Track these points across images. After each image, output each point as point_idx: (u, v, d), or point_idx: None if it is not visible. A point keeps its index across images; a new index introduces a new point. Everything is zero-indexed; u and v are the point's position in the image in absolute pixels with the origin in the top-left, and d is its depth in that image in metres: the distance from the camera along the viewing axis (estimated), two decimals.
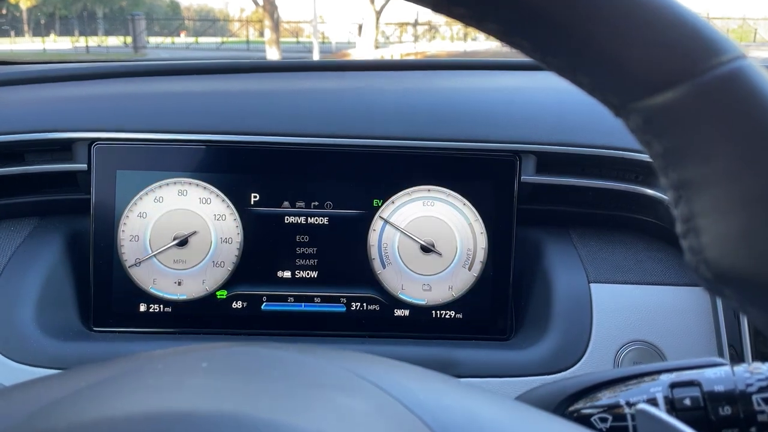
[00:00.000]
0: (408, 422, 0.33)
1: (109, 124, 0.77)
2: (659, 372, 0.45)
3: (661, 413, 0.36)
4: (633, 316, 0.73)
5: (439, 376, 0.40)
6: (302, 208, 0.78)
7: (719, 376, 0.43)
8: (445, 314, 0.79)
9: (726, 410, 0.42)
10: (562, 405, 0.48)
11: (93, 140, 0.76)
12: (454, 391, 0.38)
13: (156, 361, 0.38)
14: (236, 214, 0.77)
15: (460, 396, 0.37)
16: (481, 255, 0.79)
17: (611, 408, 0.46)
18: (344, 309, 0.79)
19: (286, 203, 0.78)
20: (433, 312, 0.79)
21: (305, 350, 0.40)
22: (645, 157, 0.77)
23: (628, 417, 0.44)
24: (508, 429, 0.33)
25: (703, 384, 0.43)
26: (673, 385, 0.44)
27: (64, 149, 0.77)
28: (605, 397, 0.47)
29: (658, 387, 0.44)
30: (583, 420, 0.46)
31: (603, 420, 0.45)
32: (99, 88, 0.84)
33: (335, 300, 0.79)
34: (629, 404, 0.44)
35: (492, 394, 0.39)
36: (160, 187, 0.77)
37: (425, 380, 0.39)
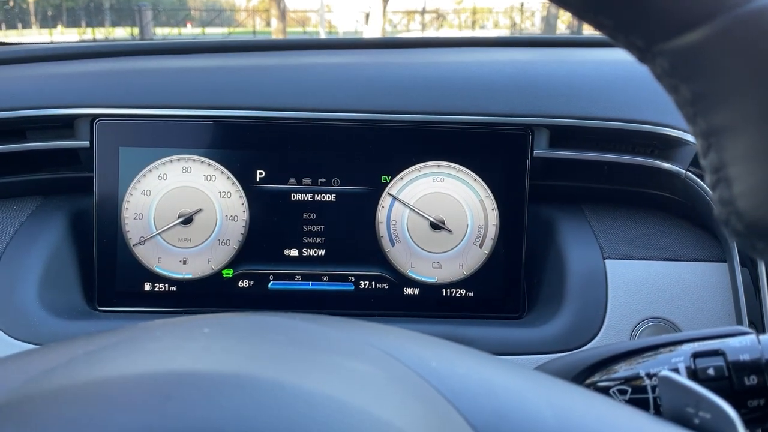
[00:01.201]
0: (420, 389, 0.31)
1: (111, 100, 0.75)
2: (680, 342, 0.43)
3: (686, 380, 0.34)
4: (649, 292, 0.71)
5: (454, 346, 0.39)
6: (309, 184, 0.76)
7: (744, 345, 0.41)
8: (456, 292, 0.78)
9: (752, 380, 0.40)
10: (579, 378, 0.47)
11: (95, 116, 0.75)
12: (469, 359, 0.36)
13: (155, 328, 0.36)
14: (242, 191, 0.76)
15: (475, 364, 0.36)
16: (492, 232, 0.77)
17: (630, 380, 0.44)
18: (352, 287, 0.77)
19: (292, 180, 0.76)
20: (444, 290, 0.78)
21: (312, 319, 0.39)
22: (661, 130, 0.75)
23: (649, 388, 0.42)
24: (525, 397, 0.31)
25: (727, 353, 0.41)
26: (696, 355, 0.42)
27: (66, 126, 0.76)
28: (622, 370, 0.45)
29: (679, 357, 0.42)
30: (601, 393, 0.44)
31: (622, 392, 0.43)
32: (101, 65, 0.83)
33: (343, 278, 0.77)
34: (650, 375, 0.43)
35: (509, 362, 0.37)
36: (164, 164, 0.75)
37: (439, 348, 0.37)
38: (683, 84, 0.28)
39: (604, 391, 0.44)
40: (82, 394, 0.25)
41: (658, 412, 0.42)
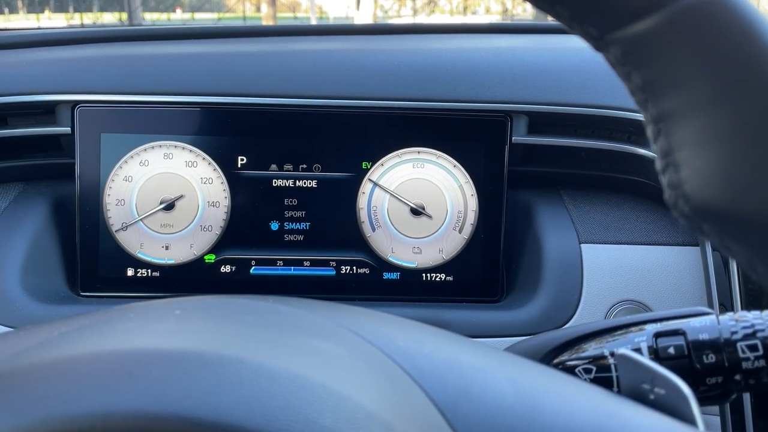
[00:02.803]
0: (385, 367, 0.32)
1: (92, 86, 0.75)
2: (645, 322, 0.45)
3: (641, 358, 0.35)
4: (623, 276, 0.73)
5: (425, 327, 0.40)
6: (290, 170, 0.77)
7: (704, 325, 0.43)
8: (436, 277, 0.79)
9: (710, 358, 0.41)
10: (547, 357, 0.48)
11: (76, 102, 0.75)
12: (437, 339, 0.38)
13: (129, 310, 0.37)
14: (223, 177, 0.76)
15: (443, 344, 0.37)
16: (471, 217, 0.79)
17: (596, 359, 0.45)
18: (334, 272, 0.78)
19: (273, 166, 0.77)
20: (424, 275, 0.79)
21: (284, 301, 0.40)
22: (636, 116, 0.76)
23: (612, 367, 0.44)
24: (492, 376, 0.32)
25: (687, 333, 0.43)
26: (658, 335, 0.43)
27: (47, 112, 0.76)
28: (591, 349, 0.47)
29: (642, 337, 0.44)
30: (568, 371, 0.45)
31: (587, 371, 0.45)
32: (83, 51, 0.83)
33: (325, 263, 0.78)
34: (613, 354, 0.44)
35: (477, 343, 0.38)
36: (146, 150, 0.76)
37: (408, 329, 0.38)
38: (635, 71, 0.29)
39: (571, 370, 0.45)
40: (49, 371, 0.25)
41: (620, 389, 0.43)
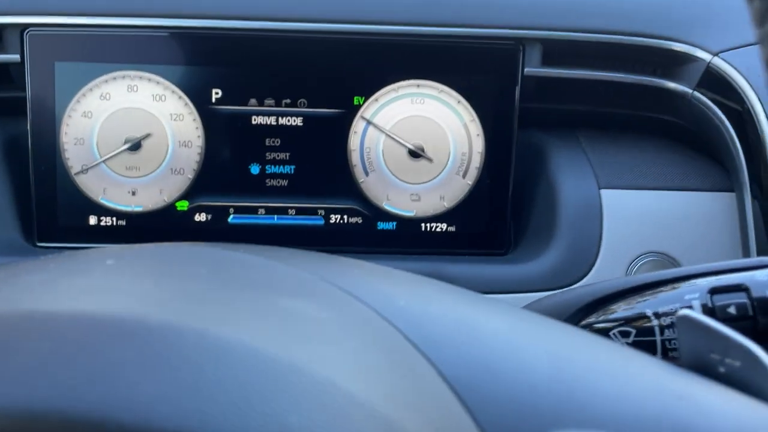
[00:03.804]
0: (380, 333, 0.24)
1: (44, 7, 0.66)
2: (696, 276, 0.37)
3: (712, 321, 0.27)
4: (648, 224, 0.66)
5: (427, 281, 0.31)
6: (272, 106, 0.69)
7: None
8: (436, 227, 0.71)
9: None
10: (573, 319, 0.40)
11: (26, 26, 0.66)
12: (445, 297, 0.29)
13: (52, 261, 0.29)
14: (195, 113, 0.68)
15: (453, 303, 0.29)
16: (477, 160, 0.70)
17: (633, 320, 0.37)
18: (322, 222, 0.70)
19: (253, 101, 0.68)
20: (423, 225, 0.71)
21: (253, 249, 0.31)
22: (667, 44, 0.67)
23: (656, 329, 0.36)
24: (520, 345, 0.24)
25: (751, 288, 0.35)
26: (714, 291, 0.35)
27: None
28: (621, 310, 0.39)
29: (694, 294, 0.36)
30: (601, 335, 0.37)
31: (624, 334, 0.37)
32: None
33: (312, 212, 0.70)
34: (658, 315, 0.36)
35: (494, 301, 0.30)
36: (106, 81, 0.67)
37: (409, 284, 0.30)
38: None
39: (603, 333, 0.38)
40: None
41: (666, 356, 0.36)
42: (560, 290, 0.63)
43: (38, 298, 0.20)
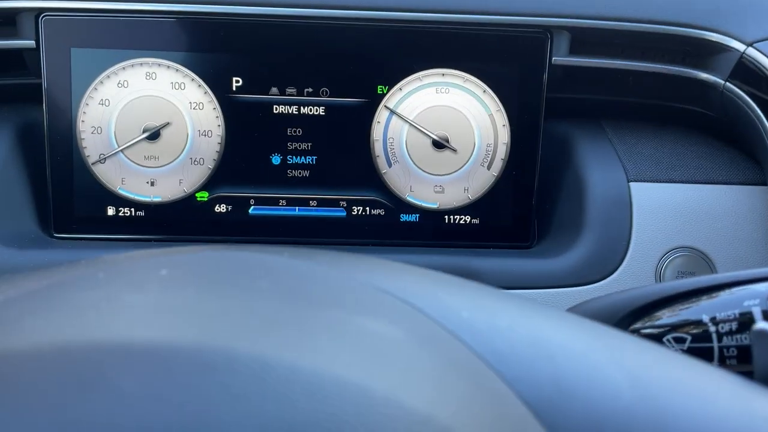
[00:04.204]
0: (453, 352, 0.23)
1: None
2: (755, 281, 0.35)
3: None
4: (678, 219, 0.65)
5: (481, 287, 0.30)
6: (293, 95, 0.67)
7: None
8: (460, 219, 0.70)
9: None
10: (621, 324, 0.39)
11: (41, 10, 0.64)
12: (504, 306, 0.28)
13: (99, 266, 0.27)
14: (215, 102, 0.66)
15: (514, 313, 0.27)
16: (502, 151, 0.69)
17: (688, 325, 0.36)
18: (344, 214, 0.69)
19: (274, 89, 0.67)
20: (446, 217, 0.70)
21: (302, 255, 0.30)
22: (700, 33, 0.65)
23: (714, 336, 0.35)
24: (596, 362, 0.23)
25: None
26: None
27: (7, 23, 0.65)
28: (670, 315, 0.38)
29: (753, 299, 0.35)
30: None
31: (679, 340, 0.36)
32: None
33: (334, 203, 0.69)
34: (715, 321, 0.35)
35: (553, 309, 0.29)
36: (124, 68, 0.65)
37: (465, 293, 0.29)
38: None
39: (656, 339, 0.37)
40: None
41: (723, 363, 0.35)
42: (587, 288, 0.62)
43: (109, 321, 0.19)
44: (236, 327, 0.19)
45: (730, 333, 0.34)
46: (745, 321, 0.34)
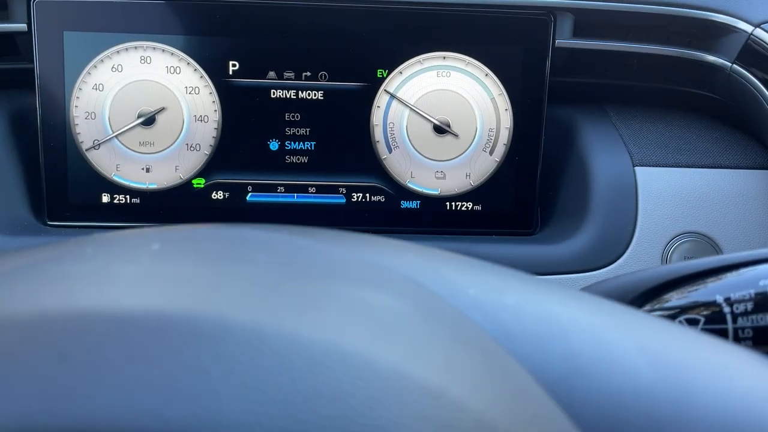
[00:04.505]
0: (462, 328, 0.22)
1: None
2: (762, 261, 0.34)
3: None
4: (684, 203, 0.64)
5: (486, 265, 0.29)
6: (291, 79, 0.65)
7: None
8: (462, 206, 0.68)
9: None
10: (632, 305, 0.38)
11: None
12: (512, 283, 0.27)
13: (88, 243, 0.26)
14: (212, 86, 0.65)
15: (523, 290, 0.26)
16: (504, 136, 0.67)
17: (701, 306, 0.35)
18: (344, 200, 0.68)
19: (271, 73, 0.65)
20: (448, 203, 0.68)
21: (302, 232, 0.29)
22: (706, 15, 0.64)
23: (728, 317, 0.34)
24: (612, 341, 0.22)
25: None
26: None
27: None
28: (683, 296, 0.37)
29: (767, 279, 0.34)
30: None
31: (692, 322, 0.34)
32: None
33: (333, 190, 0.67)
34: (730, 301, 0.34)
35: (563, 287, 0.28)
36: (118, 52, 0.64)
37: (471, 270, 0.28)
38: None
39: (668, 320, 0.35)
40: None
41: (738, 344, 0.34)
42: (593, 274, 0.60)
43: (100, 290, 0.18)
44: (232, 297, 0.17)
45: (746, 313, 0.33)
46: (762, 301, 0.33)
